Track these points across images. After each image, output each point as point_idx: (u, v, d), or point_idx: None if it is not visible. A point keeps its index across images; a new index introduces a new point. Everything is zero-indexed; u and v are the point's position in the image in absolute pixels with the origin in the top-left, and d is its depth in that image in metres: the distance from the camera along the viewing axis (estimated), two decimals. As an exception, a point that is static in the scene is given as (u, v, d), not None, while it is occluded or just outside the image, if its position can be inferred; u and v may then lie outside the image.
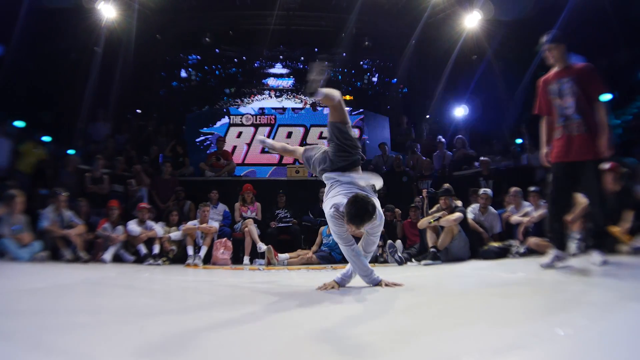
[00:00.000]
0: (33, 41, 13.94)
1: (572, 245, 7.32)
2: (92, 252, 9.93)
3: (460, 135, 15.81)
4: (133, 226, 10.16)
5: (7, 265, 8.04)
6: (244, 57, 19.59)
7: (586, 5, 13.51)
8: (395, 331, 2.75)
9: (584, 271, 5.38)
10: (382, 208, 10.24)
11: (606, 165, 6.93)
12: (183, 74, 19.41)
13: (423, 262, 9.02)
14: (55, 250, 9.45)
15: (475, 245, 9.41)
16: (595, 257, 5.68)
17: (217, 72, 19.50)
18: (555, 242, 6.07)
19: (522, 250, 8.71)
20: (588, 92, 5.94)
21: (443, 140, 15.44)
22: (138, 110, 18.27)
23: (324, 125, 17.01)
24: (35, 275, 6.75)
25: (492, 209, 10.36)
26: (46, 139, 14.62)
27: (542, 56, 6.52)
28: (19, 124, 14.45)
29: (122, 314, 3.57)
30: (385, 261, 9.84)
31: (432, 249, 9.11)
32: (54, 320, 3.20)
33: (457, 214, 9.18)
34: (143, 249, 10.00)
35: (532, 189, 9.65)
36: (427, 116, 18.42)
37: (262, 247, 10.21)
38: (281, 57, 19.68)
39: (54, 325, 2.98)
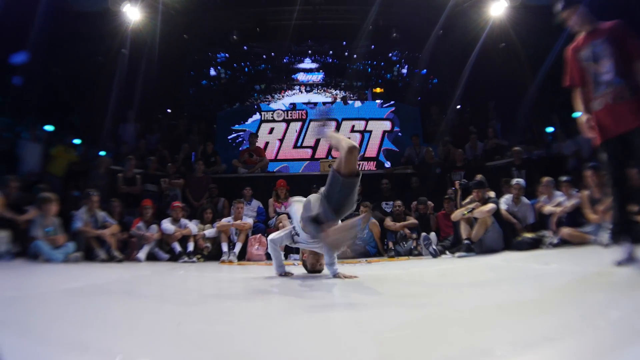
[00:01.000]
0: (60, 45, 14.10)
1: (606, 235, 7.17)
2: (126, 251, 9.95)
3: (492, 125, 15.59)
4: (167, 224, 10.17)
5: (41, 267, 8.00)
6: (272, 53, 19.56)
7: None
8: (426, 324, 2.68)
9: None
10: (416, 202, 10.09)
11: None
12: (212, 72, 19.43)
13: (457, 254, 9.00)
14: (89, 250, 9.44)
15: (509, 236, 9.34)
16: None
17: (246, 69, 19.50)
18: (620, 234, 5.00)
19: (555, 241, 8.56)
20: (627, 51, 5.01)
21: (474, 130, 15.31)
22: (168, 110, 18.33)
23: (356, 119, 16.96)
24: (69, 275, 6.72)
25: (525, 200, 10.21)
26: (76, 141, 14.72)
27: (566, 27, 5.67)
28: (49, 128, 14.60)
29: (157, 311, 3.52)
30: (420, 254, 9.89)
31: (465, 241, 9.06)
32: (88, 318, 3.15)
33: (491, 205, 9.11)
34: (177, 247, 10.00)
35: (564, 178, 9.57)
36: (458, 106, 18.21)
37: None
38: (309, 51, 19.61)
39: (89, 323, 2.92)
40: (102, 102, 15.15)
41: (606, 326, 2.28)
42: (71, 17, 13.41)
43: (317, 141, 17.44)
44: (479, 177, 9.74)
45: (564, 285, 4.10)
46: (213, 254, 10.20)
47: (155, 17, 15.31)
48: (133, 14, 14.61)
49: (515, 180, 10.40)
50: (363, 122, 17.95)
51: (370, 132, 17.83)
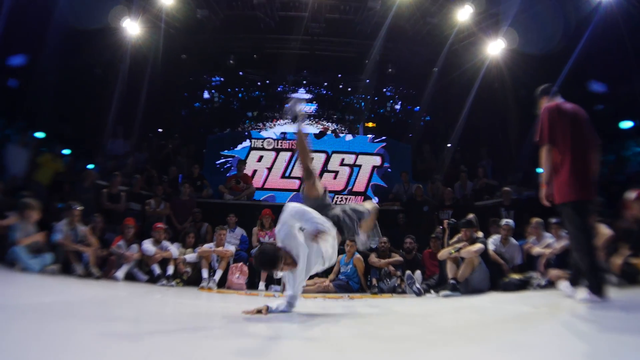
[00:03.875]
0: (59, 55, 14.01)
1: None
2: (105, 269, 9.76)
3: (482, 165, 15.64)
4: (148, 245, 10.00)
5: (16, 276, 7.90)
6: (267, 81, 19.66)
7: (604, 32, 13.43)
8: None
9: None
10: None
11: (633, 194, 7.52)
12: (206, 95, 19.47)
13: (442, 293, 8.92)
14: (67, 264, 9.32)
15: (496, 276, 9.25)
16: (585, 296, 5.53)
17: (240, 94, 19.54)
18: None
19: (543, 282, 8.47)
20: None
21: (465, 169, 15.34)
22: (159, 130, 18.24)
23: (346, 152, 16.94)
24: (43, 289, 6.63)
25: (513, 240, 10.13)
26: (66, 152, 14.61)
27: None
28: (39, 134, 14.48)
29: (127, 337, 3.38)
30: (404, 292, 9.76)
31: (451, 281, 8.98)
32: (51, 340, 3.02)
33: (478, 245, 9.05)
34: (157, 269, 9.82)
35: (553, 220, 9.33)
36: (449, 145, 18.24)
37: (278, 273, 9.92)
38: (304, 82, 19.72)
39: (53, 346, 2.81)
40: (95, 115, 15.12)
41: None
42: (72, 29, 13.36)
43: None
44: (470, 216, 9.68)
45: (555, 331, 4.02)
46: (193, 279, 10.01)
47: (156, 33, 15.48)
48: (133, 29, 14.65)
49: (504, 221, 10.37)
50: (353, 156, 17.90)
51: (360, 166, 17.79)
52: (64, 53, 14.13)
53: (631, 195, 7.69)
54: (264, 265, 5.44)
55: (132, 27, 14.59)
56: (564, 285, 6.23)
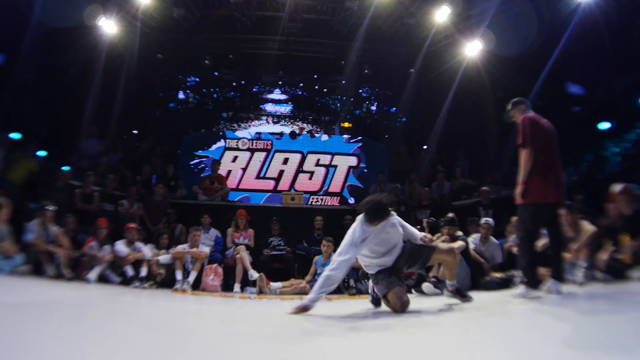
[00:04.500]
0: (34, 55, 13.81)
1: (580, 274, 7.44)
2: (77, 270, 9.59)
3: (459, 165, 15.71)
4: (121, 247, 9.86)
5: None
6: (242, 82, 19.60)
7: (584, 34, 13.53)
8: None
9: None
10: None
11: (618, 187, 7.75)
12: (181, 95, 19.38)
13: (425, 291, 8.79)
14: (38, 265, 9.18)
15: (476, 275, 9.25)
16: (521, 289, 6.35)
17: (215, 95, 19.48)
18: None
19: (525, 280, 8.43)
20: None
21: (442, 169, 15.37)
22: (134, 131, 18.06)
23: (322, 152, 16.91)
24: (11, 289, 6.53)
25: (493, 239, 10.14)
26: (41, 153, 14.41)
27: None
28: (15, 136, 14.28)
29: (93, 340, 3.31)
30: None
31: (432, 279, 8.87)
32: (15, 342, 2.96)
33: (460, 243, 9.03)
34: (130, 271, 9.67)
35: None
36: (425, 147, 18.28)
37: (253, 274, 9.92)
38: (280, 82, 19.71)
39: (16, 348, 2.74)
40: (70, 114, 14.94)
41: None
42: (47, 27, 13.19)
43: (281, 172, 17.43)
44: (450, 214, 9.67)
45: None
46: (166, 281, 9.88)
47: (132, 32, 15.36)
48: (108, 28, 14.47)
49: (484, 220, 10.35)
50: (329, 157, 17.96)
51: (336, 166, 17.87)
52: (39, 52, 13.93)
53: (617, 187, 7.84)
54: (378, 212, 5.66)
55: (107, 26, 14.39)
56: (550, 283, 6.27)
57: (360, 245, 5.69)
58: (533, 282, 6.28)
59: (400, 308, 5.44)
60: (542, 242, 8.94)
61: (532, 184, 6.35)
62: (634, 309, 4.95)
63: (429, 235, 5.97)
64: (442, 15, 14.97)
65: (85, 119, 15.02)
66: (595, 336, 3.35)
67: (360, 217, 5.85)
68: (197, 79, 19.40)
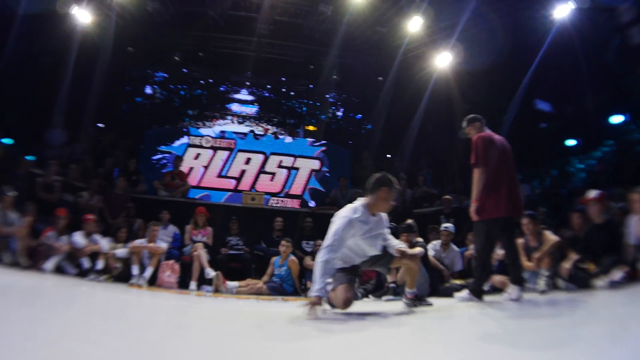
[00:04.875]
0: (4, 41, 13.67)
1: (542, 282, 7.51)
2: (33, 259, 9.58)
3: (422, 174, 15.90)
4: (78, 238, 9.85)
5: None
6: (210, 80, 19.61)
7: (558, 53, 13.84)
8: None
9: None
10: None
11: (591, 194, 7.82)
12: (148, 90, 19.35)
13: (384, 297, 8.82)
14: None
15: (436, 282, 9.29)
16: (464, 295, 6.72)
17: (182, 92, 19.50)
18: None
19: (485, 288, 8.53)
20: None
21: (404, 177, 15.50)
22: (99, 124, 17.93)
23: (285, 154, 16.99)
24: None
25: (454, 247, 10.29)
26: (7, 141, 14.29)
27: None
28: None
29: (41, 324, 3.39)
30: None
31: (391, 284, 8.89)
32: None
33: (418, 249, 8.84)
34: (86, 263, 9.68)
35: None
36: (388, 155, 18.46)
37: (210, 273, 9.91)
38: (248, 83, 19.77)
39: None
40: (38, 103, 14.86)
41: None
42: (18, 15, 13.10)
43: (242, 172, 17.51)
44: (409, 221, 9.75)
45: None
46: (122, 276, 9.82)
47: (105, 22, 15.29)
48: (83, 17, 14.43)
49: (443, 226, 10.42)
50: (291, 159, 18.04)
51: (298, 169, 17.95)
52: (9, 39, 13.83)
53: (592, 193, 7.94)
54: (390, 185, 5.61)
55: (81, 15, 14.35)
56: (510, 289, 6.49)
57: (352, 233, 5.49)
58: (478, 293, 6.59)
59: (342, 304, 5.43)
60: (503, 252, 9.22)
61: (486, 201, 6.60)
62: (571, 314, 5.18)
63: (404, 248, 5.96)
64: (414, 26, 15.23)
65: (53, 109, 14.88)
66: (522, 337, 3.56)
67: (359, 203, 5.68)
68: (165, 74, 19.39)
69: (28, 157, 12.95)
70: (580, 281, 7.37)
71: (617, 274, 6.78)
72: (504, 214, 6.56)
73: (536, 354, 2.83)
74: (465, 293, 6.74)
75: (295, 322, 4.59)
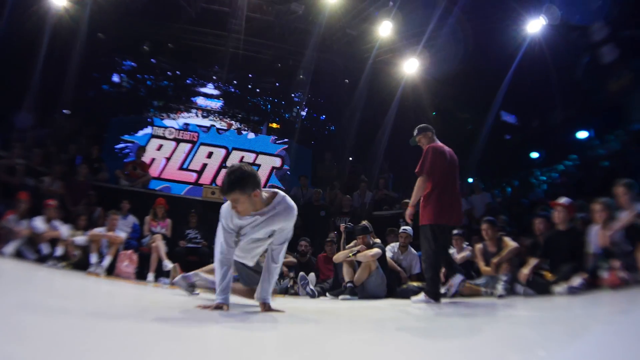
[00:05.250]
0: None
1: (499, 287, 7.69)
2: (-7, 242, 9.57)
3: (384, 177, 16.15)
4: (38, 223, 9.94)
5: None
6: (177, 72, 19.59)
7: (529, 66, 14.20)
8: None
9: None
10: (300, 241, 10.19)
11: (561, 200, 8.03)
12: (115, 78, 19.18)
13: (341, 296, 8.84)
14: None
15: (393, 284, 9.38)
16: (421, 298, 7.09)
17: (148, 82, 19.40)
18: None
19: (442, 290, 8.69)
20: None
21: (365, 179, 15.73)
22: (65, 111, 17.85)
23: (246, 150, 17.15)
24: None
25: (412, 249, 10.38)
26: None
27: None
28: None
29: None
30: (297, 294, 9.61)
31: (348, 284, 8.96)
32: None
33: (376, 250, 9.00)
34: (45, 249, 9.78)
35: (455, 232, 9.61)
36: (350, 158, 18.70)
37: (168, 265, 10.01)
38: (214, 77, 19.73)
39: None
40: (7, 85, 14.73)
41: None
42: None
43: (204, 166, 17.66)
44: (363, 222, 9.80)
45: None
46: (81, 263, 9.86)
47: (80, 7, 15.26)
48: (57, 0, 14.43)
49: (402, 228, 10.41)
50: (253, 155, 18.30)
51: (259, 166, 18.22)
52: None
53: (563, 199, 8.17)
54: (232, 183, 4.33)
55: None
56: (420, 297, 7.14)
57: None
58: (435, 295, 6.91)
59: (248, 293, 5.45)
60: (461, 256, 9.56)
61: (429, 207, 7.05)
62: (493, 319, 5.33)
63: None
64: (384, 30, 15.45)
65: (22, 91, 14.82)
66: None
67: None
68: (133, 64, 19.29)
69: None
70: (538, 287, 7.58)
71: (577, 280, 7.01)
72: (445, 222, 7.07)
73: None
74: (421, 296, 7.05)
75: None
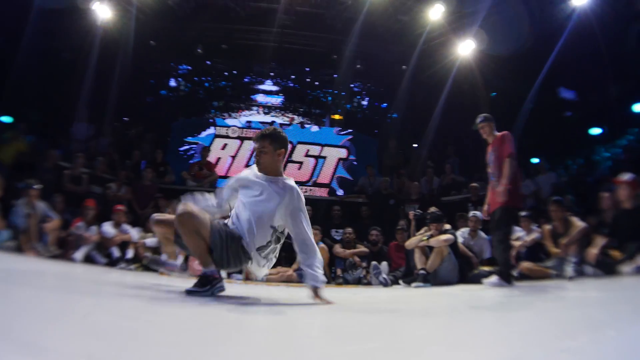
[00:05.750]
0: (26, 37, 13.74)
1: (569, 269, 7.53)
2: (63, 249, 9.64)
3: (450, 162, 15.72)
4: (107, 228, 9.95)
5: None
6: (234, 71, 19.53)
7: (580, 40, 13.55)
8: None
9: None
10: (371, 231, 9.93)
11: (624, 177, 7.87)
12: (172, 83, 19.32)
13: (414, 284, 8.77)
14: (26, 242, 9.11)
15: (464, 269, 9.20)
16: (493, 279, 7.00)
17: (206, 84, 19.42)
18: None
19: (514, 274, 8.37)
20: (500, 155, 7.21)
21: (432, 165, 15.48)
22: (125, 118, 17.97)
23: (311, 143, 16.86)
24: None
25: (482, 234, 10.13)
26: (31, 138, 14.37)
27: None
28: (6, 119, 14.25)
29: (72, 303, 3.34)
30: (369, 283, 9.64)
31: (421, 271, 8.83)
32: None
33: (448, 235, 8.98)
34: (116, 252, 9.75)
35: (523, 214, 9.30)
36: (415, 145, 18.26)
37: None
38: (272, 74, 19.62)
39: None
40: (61, 99, 14.93)
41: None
42: (39, 11, 13.13)
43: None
44: (433, 209, 9.60)
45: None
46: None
47: (126, 17, 15.31)
48: (103, 12, 14.42)
49: (472, 213, 10.37)
50: (318, 148, 17.95)
51: (325, 158, 17.86)
52: (31, 36, 13.87)
53: (625, 176, 7.91)
54: (266, 134, 4.73)
55: (102, 10, 14.33)
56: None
57: None
58: (508, 277, 6.92)
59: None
60: (530, 238, 9.09)
61: (512, 190, 7.01)
62: (563, 301, 5.27)
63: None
64: (435, 13, 14.98)
65: (77, 104, 14.95)
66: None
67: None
68: (189, 67, 19.35)
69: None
70: (606, 267, 7.44)
71: (642, 260, 6.81)
72: (520, 205, 7.67)
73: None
74: (494, 278, 6.90)
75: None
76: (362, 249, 10.62)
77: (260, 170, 4.79)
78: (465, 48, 15.53)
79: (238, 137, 17.71)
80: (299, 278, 9.74)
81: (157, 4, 15.49)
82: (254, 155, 5.29)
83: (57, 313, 2.72)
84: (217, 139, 17.66)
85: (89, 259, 9.62)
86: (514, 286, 6.74)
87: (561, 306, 4.69)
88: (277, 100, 19.41)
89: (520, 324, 3.37)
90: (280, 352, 2.12)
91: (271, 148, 4.67)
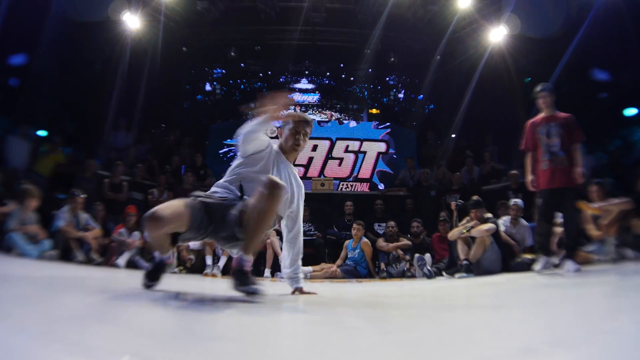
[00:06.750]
0: (58, 51, 13.95)
1: (611, 252, 7.59)
2: (106, 256, 9.70)
3: (488, 150, 15.55)
4: (149, 232, 9.82)
5: (13, 260, 7.87)
6: (269, 72, 19.62)
7: (607, 21, 13.25)
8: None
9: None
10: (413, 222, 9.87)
11: None
12: (208, 87, 19.47)
13: (457, 275, 8.74)
14: (68, 251, 9.25)
15: (507, 258, 9.14)
16: (570, 266, 6.71)
17: (242, 86, 19.52)
18: (544, 251, 7.28)
19: (556, 261, 8.01)
20: (572, 136, 7.15)
21: (471, 154, 15.28)
22: (162, 125, 18.13)
23: (350, 139, 16.80)
24: (40, 267, 6.79)
25: (523, 221, 9.94)
26: (67, 149, 14.53)
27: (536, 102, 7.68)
28: (42, 133, 14.45)
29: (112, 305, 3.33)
30: (413, 276, 9.64)
31: (464, 261, 8.82)
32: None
33: (490, 225, 8.93)
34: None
35: None
36: (453, 135, 18.06)
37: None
38: (307, 72, 19.63)
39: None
40: (96, 109, 15.14)
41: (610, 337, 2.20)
42: (71, 23, 13.29)
43: (310, 159, 17.32)
44: (475, 197, 9.57)
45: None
46: (196, 267, 9.93)
47: (156, 27, 15.43)
48: (133, 23, 14.53)
49: (513, 201, 10.20)
50: (357, 143, 17.81)
51: (365, 153, 17.69)
52: (63, 49, 14.07)
53: None
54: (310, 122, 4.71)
55: (131, 21, 14.45)
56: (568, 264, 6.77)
57: None
58: (547, 251, 7.28)
59: None
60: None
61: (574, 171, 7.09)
62: (604, 284, 5.42)
63: None
64: (465, 1, 14.82)
65: (111, 114, 15.16)
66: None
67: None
68: (223, 70, 19.46)
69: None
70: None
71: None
72: (544, 187, 7.33)
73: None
74: (570, 264, 6.77)
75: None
76: (405, 242, 10.55)
77: (291, 151, 4.63)
78: (497, 34, 15.26)
79: (276, 137, 17.57)
80: (343, 274, 9.71)
81: (186, 11, 15.64)
82: (291, 134, 4.65)
83: (102, 314, 2.82)
84: (255, 140, 17.52)
85: (132, 265, 9.68)
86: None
87: (602, 290, 4.73)
88: (313, 97, 19.41)
89: (563, 308, 3.42)
90: (331, 343, 2.16)
91: (307, 137, 4.59)
